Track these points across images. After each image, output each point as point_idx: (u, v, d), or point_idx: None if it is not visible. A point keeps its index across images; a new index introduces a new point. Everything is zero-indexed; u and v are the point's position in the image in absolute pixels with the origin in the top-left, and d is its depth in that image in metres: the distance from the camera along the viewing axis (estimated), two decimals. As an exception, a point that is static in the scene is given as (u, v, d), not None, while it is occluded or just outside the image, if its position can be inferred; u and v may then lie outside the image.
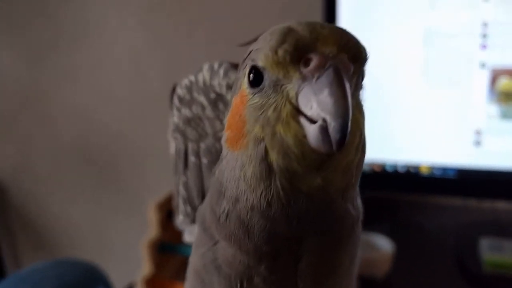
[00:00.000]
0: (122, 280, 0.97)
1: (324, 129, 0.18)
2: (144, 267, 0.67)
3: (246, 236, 0.22)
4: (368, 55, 0.22)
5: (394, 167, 0.72)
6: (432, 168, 0.70)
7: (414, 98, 0.70)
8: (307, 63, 0.19)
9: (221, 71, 0.28)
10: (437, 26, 0.67)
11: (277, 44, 0.20)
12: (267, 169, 0.20)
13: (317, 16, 0.75)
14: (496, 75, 0.65)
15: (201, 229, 0.26)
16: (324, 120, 0.18)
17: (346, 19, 0.70)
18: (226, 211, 0.22)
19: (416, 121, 0.71)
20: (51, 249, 1.54)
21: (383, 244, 0.72)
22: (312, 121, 0.19)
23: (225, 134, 0.23)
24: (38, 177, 1.48)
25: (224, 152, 0.23)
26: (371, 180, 0.73)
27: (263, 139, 0.20)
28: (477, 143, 0.68)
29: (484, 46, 0.65)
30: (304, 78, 0.19)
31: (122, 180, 1.29)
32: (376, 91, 0.72)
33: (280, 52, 0.19)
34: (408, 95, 0.70)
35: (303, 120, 0.19)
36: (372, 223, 0.79)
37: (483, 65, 0.66)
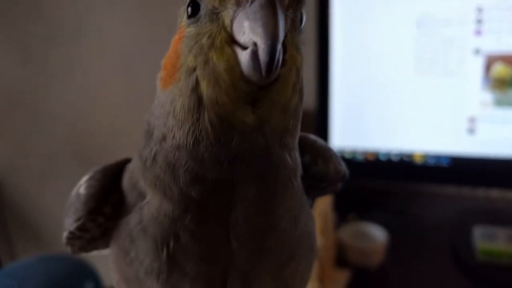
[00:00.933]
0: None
1: (254, 53, 0.17)
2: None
3: (171, 179, 0.20)
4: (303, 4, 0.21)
5: (388, 155, 0.71)
6: (425, 157, 0.70)
7: (408, 86, 0.69)
8: None
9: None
10: (430, 13, 0.66)
11: None
12: (197, 101, 0.19)
13: (310, 1, 0.74)
14: (490, 61, 0.64)
15: (128, 189, 0.24)
16: (255, 45, 0.17)
17: (339, 7, 0.68)
18: (153, 152, 0.21)
19: (409, 109, 0.70)
20: (46, 244, 1.54)
21: (377, 234, 0.71)
22: (245, 47, 0.18)
23: (159, 76, 0.22)
24: (32, 174, 1.47)
25: (157, 94, 0.22)
26: (365, 169, 0.73)
27: (195, 69, 0.19)
28: (471, 130, 0.67)
29: (478, 32, 0.64)
30: (238, 4, 0.18)
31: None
32: (369, 80, 0.71)
33: None
34: (401, 83, 0.69)
35: (236, 48, 0.18)
36: (366, 212, 0.78)
37: (477, 52, 0.65)
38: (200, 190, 0.20)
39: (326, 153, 0.27)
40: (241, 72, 0.18)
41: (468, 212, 0.78)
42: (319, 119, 0.74)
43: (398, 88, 0.70)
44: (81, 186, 0.26)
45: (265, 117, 0.19)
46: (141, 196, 0.23)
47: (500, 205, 0.80)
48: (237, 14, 0.18)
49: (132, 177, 0.24)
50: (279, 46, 0.17)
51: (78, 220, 0.24)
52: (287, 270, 0.23)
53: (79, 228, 0.24)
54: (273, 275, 0.23)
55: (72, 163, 1.38)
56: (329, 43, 0.71)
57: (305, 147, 0.26)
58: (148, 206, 0.22)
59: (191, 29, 0.20)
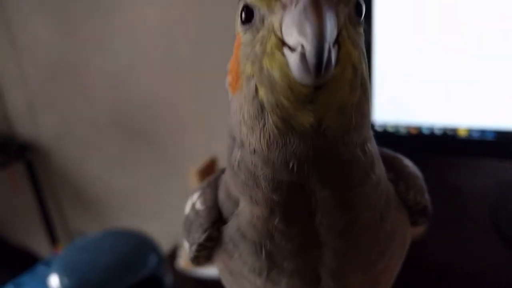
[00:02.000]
0: (164, 244, 1.02)
1: (303, 56, 0.17)
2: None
3: (254, 184, 0.21)
4: None
5: (431, 129, 0.72)
6: (469, 131, 0.69)
7: (453, 58, 0.68)
8: None
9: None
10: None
11: None
12: (260, 107, 0.20)
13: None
14: (541, 33, 0.62)
15: (224, 198, 0.26)
16: (303, 47, 0.17)
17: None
18: (237, 160, 0.22)
19: (454, 82, 0.69)
20: (93, 206, 1.62)
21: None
22: (294, 49, 0.18)
23: (228, 80, 0.23)
24: (78, 142, 1.54)
25: (230, 98, 0.23)
26: (408, 143, 0.73)
27: (253, 76, 0.20)
28: (518, 104, 0.66)
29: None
30: (284, 7, 0.18)
31: (159, 144, 1.33)
32: (415, 52, 0.70)
33: None
34: (447, 55, 0.68)
35: (286, 51, 0.19)
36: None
37: (527, 23, 0.63)
38: (279, 193, 0.21)
39: (411, 180, 0.28)
40: (293, 75, 0.18)
41: (510, 184, 0.78)
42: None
43: (444, 62, 0.69)
44: (196, 203, 0.28)
45: (321, 118, 0.19)
46: (235, 203, 0.24)
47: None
48: (285, 17, 0.18)
49: (227, 187, 0.25)
50: (327, 46, 0.17)
51: (205, 231, 0.26)
52: (377, 266, 0.25)
53: (207, 239, 0.27)
54: (363, 271, 0.24)
55: (115, 130, 1.44)
56: (372, 13, 0.70)
57: (394, 169, 0.27)
58: (243, 212, 0.24)
59: (247, 36, 0.20)
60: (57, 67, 1.47)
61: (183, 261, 0.69)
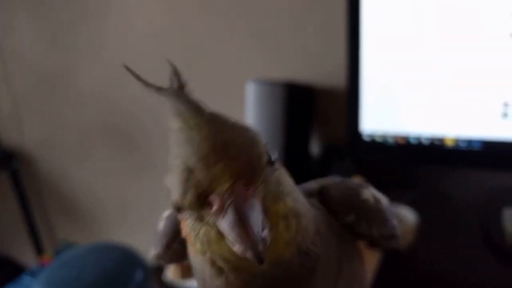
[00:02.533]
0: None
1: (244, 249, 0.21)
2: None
3: None
4: (265, 159, 0.23)
5: (418, 139, 0.72)
6: (457, 141, 0.70)
7: (441, 69, 0.69)
8: (210, 206, 0.22)
9: None
10: (465, -5, 0.64)
11: (181, 194, 0.22)
12: (219, 270, 0.24)
13: None
14: (526, 45, 0.63)
15: None
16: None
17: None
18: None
19: (442, 93, 0.70)
20: (80, 216, 1.60)
21: (407, 216, 0.73)
22: None
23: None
24: (67, 150, 1.52)
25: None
26: (395, 153, 0.73)
27: (205, 252, 0.23)
28: (505, 115, 0.67)
29: (515, 15, 0.63)
30: (215, 216, 0.21)
31: (148, 154, 1.32)
32: (401, 62, 0.71)
33: (186, 202, 0.22)
34: (435, 66, 0.69)
35: (228, 241, 0.22)
36: (396, 195, 0.80)
37: (513, 35, 0.63)
38: None
39: (372, 215, 0.30)
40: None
41: (499, 195, 0.78)
42: (350, 103, 0.75)
43: (431, 72, 0.69)
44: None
45: (275, 258, 0.23)
46: None
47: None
48: (218, 222, 0.21)
49: None
50: (259, 238, 0.20)
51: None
52: None
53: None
54: None
55: (104, 139, 1.42)
56: (359, 26, 0.71)
57: (355, 208, 0.29)
58: None
59: (190, 221, 0.23)
60: (44, 74, 1.45)
61: (171, 273, 0.68)
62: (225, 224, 0.20)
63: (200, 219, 0.23)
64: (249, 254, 0.20)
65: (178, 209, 0.23)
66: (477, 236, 0.72)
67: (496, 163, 0.70)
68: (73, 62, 1.37)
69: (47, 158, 1.58)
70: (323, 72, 0.94)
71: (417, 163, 0.77)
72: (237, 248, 0.21)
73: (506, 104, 0.66)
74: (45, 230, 1.70)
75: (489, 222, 0.73)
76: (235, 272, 0.23)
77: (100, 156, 1.45)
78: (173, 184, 0.23)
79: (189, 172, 0.22)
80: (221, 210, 0.21)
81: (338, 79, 0.81)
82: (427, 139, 0.72)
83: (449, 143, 0.71)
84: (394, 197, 0.77)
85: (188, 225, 0.24)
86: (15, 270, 1.71)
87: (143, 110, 1.28)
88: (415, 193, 0.83)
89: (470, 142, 0.69)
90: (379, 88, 0.73)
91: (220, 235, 0.22)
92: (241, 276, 0.23)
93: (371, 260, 0.68)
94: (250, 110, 0.76)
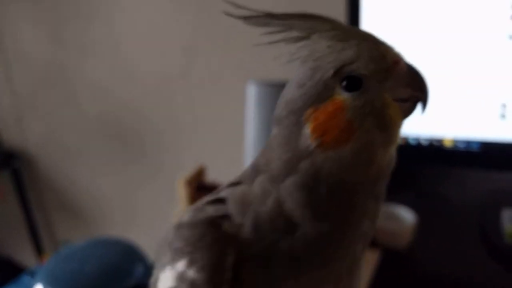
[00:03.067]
0: (151, 253, 1.02)
1: (415, 102, 0.27)
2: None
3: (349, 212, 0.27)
4: None
5: (417, 140, 0.72)
6: (455, 141, 0.71)
7: (440, 72, 0.69)
8: (396, 63, 0.26)
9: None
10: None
11: (380, 55, 0.26)
12: (378, 145, 0.26)
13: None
14: (524, 47, 0.64)
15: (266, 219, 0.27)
16: (415, 97, 0.26)
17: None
18: (323, 190, 0.26)
19: (441, 95, 0.71)
20: (80, 215, 1.61)
21: (406, 215, 0.73)
22: (405, 100, 0.26)
23: (318, 140, 0.25)
24: (65, 149, 1.53)
25: (307, 150, 0.26)
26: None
27: (373, 126, 0.26)
28: (503, 116, 0.67)
29: (513, 17, 0.63)
30: (396, 74, 0.26)
31: (147, 153, 1.33)
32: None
33: (385, 62, 0.26)
34: (433, 69, 0.70)
35: (398, 103, 0.26)
36: (395, 193, 0.80)
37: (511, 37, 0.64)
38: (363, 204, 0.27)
39: None
40: (403, 115, 0.27)
41: (497, 195, 0.79)
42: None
43: (430, 74, 0.70)
44: (187, 272, 0.26)
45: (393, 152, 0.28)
46: (287, 223, 0.27)
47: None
48: (394, 80, 0.26)
49: (274, 207, 0.27)
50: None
51: None
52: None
53: None
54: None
55: (104, 139, 1.43)
56: (359, 22, 0.72)
57: None
58: (303, 231, 0.27)
59: (360, 101, 0.25)
60: (46, 75, 1.46)
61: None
62: (406, 77, 0.26)
63: (377, 85, 0.26)
64: (424, 97, 0.27)
65: (352, 79, 0.25)
66: (475, 236, 0.73)
67: (494, 164, 0.71)
68: (73, 63, 1.37)
69: (48, 158, 1.59)
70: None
71: (416, 163, 0.77)
72: (408, 105, 0.27)
73: (504, 106, 0.67)
74: (45, 230, 1.70)
75: (487, 222, 0.74)
76: (388, 148, 0.27)
77: (101, 156, 1.46)
78: (354, 50, 0.25)
79: (374, 41, 0.26)
80: (404, 67, 0.26)
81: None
82: (426, 139, 0.72)
83: (448, 144, 0.71)
84: (394, 198, 0.79)
85: (352, 106, 0.25)
86: (15, 270, 1.72)
87: (142, 110, 1.29)
88: (414, 194, 0.83)
89: (468, 143, 0.70)
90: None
91: (391, 98, 0.26)
92: (388, 155, 0.27)
93: (368, 260, 0.69)
94: (251, 111, 0.77)
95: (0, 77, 1.55)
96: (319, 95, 0.26)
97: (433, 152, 0.72)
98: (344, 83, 0.25)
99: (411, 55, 0.69)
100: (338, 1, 0.78)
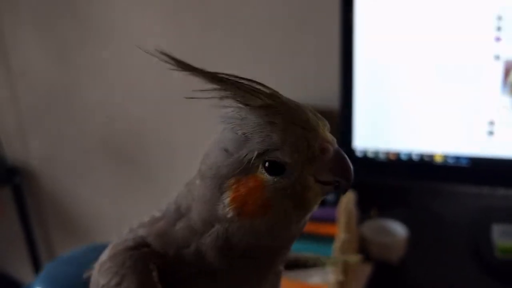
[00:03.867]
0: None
1: (337, 186, 0.27)
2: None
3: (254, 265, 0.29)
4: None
5: (409, 155, 0.75)
6: (445, 157, 0.73)
7: (430, 89, 0.72)
8: (324, 151, 0.26)
9: None
10: (452, 20, 0.68)
11: (307, 143, 0.26)
12: (290, 221, 0.28)
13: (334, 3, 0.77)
14: (509, 67, 0.67)
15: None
16: (336, 181, 0.27)
17: (361, 13, 0.72)
18: (238, 255, 0.28)
19: (431, 112, 0.73)
20: (81, 233, 1.61)
21: (398, 229, 0.75)
22: (328, 183, 0.27)
23: (236, 210, 0.27)
24: (67, 167, 1.55)
25: (225, 216, 0.27)
26: (386, 168, 0.76)
27: (290, 206, 0.27)
28: (490, 133, 0.70)
29: (498, 39, 0.67)
30: (321, 161, 0.26)
31: (149, 171, 1.35)
32: (392, 84, 0.74)
33: (311, 150, 0.26)
34: (423, 86, 0.73)
35: (319, 184, 0.27)
36: (387, 209, 0.82)
37: (497, 58, 0.67)
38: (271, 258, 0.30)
39: None
40: (322, 194, 0.27)
41: (488, 211, 0.81)
42: (343, 122, 0.78)
43: (420, 93, 0.73)
44: None
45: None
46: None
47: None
48: (319, 165, 0.26)
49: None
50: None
51: None
52: None
53: None
54: None
55: (105, 157, 1.45)
56: (353, 48, 0.75)
57: None
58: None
59: (282, 182, 0.26)
60: (50, 93, 1.49)
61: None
62: (332, 162, 0.26)
63: (301, 170, 0.26)
64: (347, 181, 0.27)
65: (276, 164, 0.26)
66: (467, 250, 0.74)
67: (483, 179, 0.73)
68: (77, 80, 1.41)
69: (49, 174, 1.61)
70: (318, 94, 0.97)
71: (407, 178, 0.79)
72: (329, 188, 0.27)
73: (491, 123, 0.70)
74: (45, 246, 1.70)
75: (478, 237, 0.75)
76: (301, 219, 0.28)
77: (101, 173, 1.48)
78: (283, 138, 0.26)
79: (306, 125, 0.26)
80: (331, 154, 0.26)
81: (332, 101, 0.84)
82: (417, 155, 0.74)
83: (438, 159, 0.73)
84: (386, 213, 0.80)
85: (273, 187, 0.26)
86: (12, 286, 1.71)
87: (144, 129, 1.32)
88: (406, 209, 0.85)
89: (458, 158, 0.72)
90: (372, 107, 0.76)
91: (315, 180, 0.27)
92: (297, 229, 0.28)
93: (361, 272, 0.70)
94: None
95: (5, 95, 1.59)
96: (243, 169, 0.26)
97: (424, 167, 0.74)
98: (267, 165, 0.26)
99: (403, 76, 0.72)
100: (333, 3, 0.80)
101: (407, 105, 0.74)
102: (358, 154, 0.78)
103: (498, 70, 0.67)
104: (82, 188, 1.55)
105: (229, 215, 0.27)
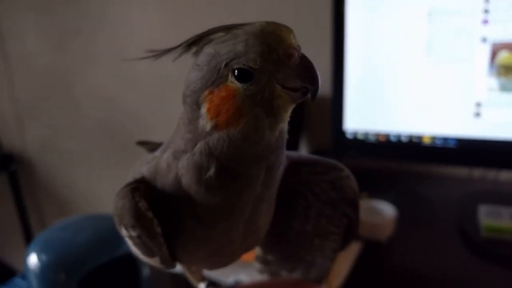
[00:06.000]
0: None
1: (305, 92, 0.28)
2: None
3: (233, 182, 0.29)
4: None
5: (398, 137, 0.76)
6: (433, 138, 0.74)
7: (418, 72, 0.74)
8: (289, 57, 0.27)
9: None
10: (440, 4, 0.70)
11: (270, 49, 0.27)
12: (263, 129, 0.28)
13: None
14: (496, 49, 0.68)
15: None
16: (304, 87, 0.27)
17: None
18: (216, 171, 0.29)
19: (419, 94, 0.75)
20: (76, 219, 1.62)
21: (387, 210, 0.77)
22: (296, 90, 0.28)
23: (213, 121, 0.28)
24: (63, 154, 1.56)
25: (203, 131, 0.29)
26: (376, 149, 0.78)
27: (261, 113, 0.28)
28: (477, 114, 0.71)
29: (485, 21, 0.68)
30: (288, 66, 0.27)
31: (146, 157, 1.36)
32: (382, 67, 0.76)
33: (275, 55, 0.27)
34: (412, 70, 0.74)
35: (288, 92, 0.28)
36: (376, 192, 0.84)
37: (484, 40, 0.69)
38: (257, 171, 0.30)
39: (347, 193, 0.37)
40: (292, 102, 0.28)
41: (475, 193, 0.82)
42: (335, 105, 0.80)
43: (409, 75, 0.74)
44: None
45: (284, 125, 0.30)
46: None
47: (505, 186, 0.84)
48: (286, 72, 0.27)
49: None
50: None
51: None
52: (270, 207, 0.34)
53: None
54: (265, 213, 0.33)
55: (100, 144, 1.46)
56: (344, 34, 0.76)
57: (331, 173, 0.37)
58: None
59: (251, 89, 0.27)
60: (47, 80, 1.50)
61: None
62: (300, 68, 0.27)
63: (268, 77, 0.27)
64: (313, 88, 0.27)
65: (244, 70, 0.27)
66: (453, 230, 0.76)
67: (469, 160, 0.74)
68: (74, 69, 1.42)
69: (46, 162, 1.62)
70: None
71: (396, 159, 0.81)
72: (297, 95, 0.27)
73: (478, 104, 0.71)
74: (40, 229, 1.72)
75: (464, 217, 0.77)
76: (274, 126, 0.28)
77: (98, 162, 1.49)
78: (249, 45, 0.27)
79: (269, 33, 0.27)
80: (296, 59, 0.27)
81: (324, 84, 0.86)
82: (406, 136, 0.76)
83: (426, 141, 0.75)
84: (376, 194, 0.82)
85: (243, 95, 0.27)
86: (7, 273, 1.73)
87: (140, 116, 1.33)
88: (395, 190, 0.87)
89: (445, 139, 0.74)
90: (362, 91, 0.78)
91: (282, 87, 0.28)
92: (273, 129, 0.28)
93: (350, 250, 0.72)
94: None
95: (2, 82, 1.60)
96: (214, 80, 0.28)
97: (413, 148, 0.76)
98: (236, 73, 0.27)
99: (392, 60, 0.73)
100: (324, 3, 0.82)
101: (396, 88, 0.76)
102: (349, 136, 0.80)
103: (485, 52, 0.69)
104: (78, 174, 1.56)
105: (207, 128, 0.29)
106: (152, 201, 0.31)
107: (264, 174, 0.30)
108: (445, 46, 0.71)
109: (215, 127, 0.28)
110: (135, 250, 0.34)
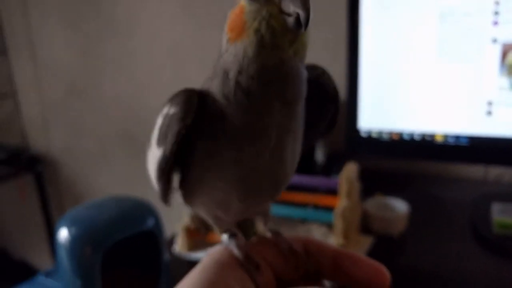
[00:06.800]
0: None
1: (297, 19, 0.30)
2: (184, 220, 0.77)
3: (247, 98, 0.31)
4: None
5: (411, 135, 0.78)
6: (446, 136, 0.76)
7: (430, 72, 0.76)
8: None
9: None
10: (452, 6, 0.73)
11: None
12: (262, 46, 0.31)
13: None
14: (506, 49, 0.70)
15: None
16: (297, 14, 0.30)
17: (369, 1, 0.77)
18: (233, 85, 0.31)
19: (432, 94, 0.77)
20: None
21: (399, 205, 0.78)
22: (290, 15, 0.30)
23: (227, 35, 0.32)
24: (87, 156, 1.62)
25: (224, 48, 0.32)
26: (390, 147, 0.80)
27: (259, 29, 0.31)
28: (489, 113, 0.73)
29: (495, 23, 0.70)
30: None
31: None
32: (395, 68, 0.78)
33: None
34: (424, 69, 0.77)
35: (284, 16, 0.31)
36: (390, 191, 0.86)
37: (494, 41, 0.71)
38: (267, 102, 0.32)
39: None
40: (287, 27, 0.30)
41: (487, 190, 0.84)
42: (349, 104, 0.83)
43: (422, 74, 0.77)
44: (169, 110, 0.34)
45: (296, 50, 0.31)
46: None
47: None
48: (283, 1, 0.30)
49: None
50: (310, 14, 0.29)
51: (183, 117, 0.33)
52: (296, 144, 0.35)
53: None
54: (291, 146, 0.35)
55: (122, 146, 1.51)
56: (358, 35, 0.79)
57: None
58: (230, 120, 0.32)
59: (253, 6, 0.31)
60: (73, 85, 1.57)
61: (179, 245, 0.75)
62: None
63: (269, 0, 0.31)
64: (304, 14, 0.29)
65: None
66: (464, 226, 0.77)
67: (482, 158, 0.76)
68: (99, 74, 1.48)
69: (70, 163, 1.68)
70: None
71: (409, 157, 0.83)
72: (291, 20, 0.30)
73: (490, 103, 0.73)
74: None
75: (476, 214, 0.78)
76: (274, 46, 0.30)
77: (119, 162, 1.54)
78: None
79: None
80: None
81: (339, 84, 0.89)
82: (419, 135, 0.78)
83: (439, 139, 0.77)
84: (390, 192, 0.84)
85: (247, 11, 0.31)
86: (31, 273, 1.77)
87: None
88: (409, 189, 0.88)
89: (458, 138, 0.76)
90: (376, 91, 0.81)
91: (280, 11, 0.30)
92: (275, 52, 0.30)
93: (363, 244, 0.74)
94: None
95: (31, 86, 1.67)
96: (235, 1, 0.33)
97: (425, 146, 0.78)
98: None
99: (406, 59, 0.75)
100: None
101: (409, 88, 0.79)
102: (363, 134, 0.82)
103: (496, 53, 0.71)
104: (101, 176, 1.61)
105: (225, 44, 0.32)
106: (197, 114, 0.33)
107: (281, 105, 0.32)
108: (457, 46, 0.74)
109: (228, 42, 0.32)
110: (152, 141, 0.35)
